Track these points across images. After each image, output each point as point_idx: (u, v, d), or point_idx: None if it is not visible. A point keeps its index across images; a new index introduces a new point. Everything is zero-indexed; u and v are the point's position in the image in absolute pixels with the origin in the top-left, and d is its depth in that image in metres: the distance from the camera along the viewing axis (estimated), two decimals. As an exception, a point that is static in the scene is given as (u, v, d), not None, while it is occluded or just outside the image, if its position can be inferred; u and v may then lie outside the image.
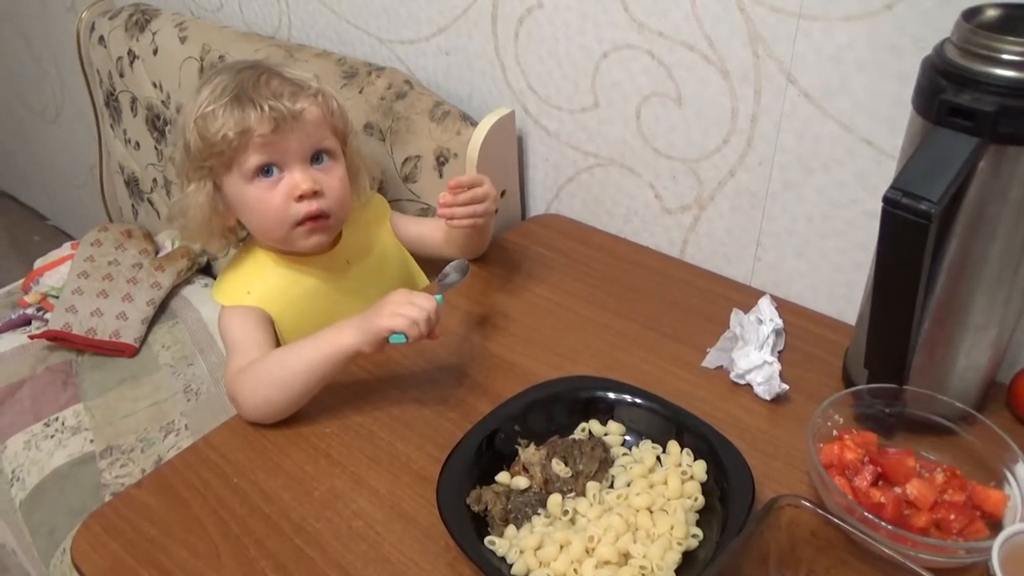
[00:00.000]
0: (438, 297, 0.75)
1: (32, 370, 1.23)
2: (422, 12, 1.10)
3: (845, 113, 0.79)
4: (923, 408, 0.68)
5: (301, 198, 0.83)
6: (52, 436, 1.12)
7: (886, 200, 0.57)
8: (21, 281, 1.44)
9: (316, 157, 0.85)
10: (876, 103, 0.76)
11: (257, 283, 0.89)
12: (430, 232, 0.98)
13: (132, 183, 1.56)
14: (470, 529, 0.63)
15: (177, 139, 0.87)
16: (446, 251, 0.95)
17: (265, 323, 0.85)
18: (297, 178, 0.83)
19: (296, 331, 0.85)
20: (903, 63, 0.73)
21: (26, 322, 1.35)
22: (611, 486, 0.68)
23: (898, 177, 0.58)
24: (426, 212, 1.07)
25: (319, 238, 0.87)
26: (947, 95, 0.58)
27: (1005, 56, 0.56)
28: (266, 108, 0.80)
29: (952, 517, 0.61)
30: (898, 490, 0.63)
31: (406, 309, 0.72)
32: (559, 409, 0.73)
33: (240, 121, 0.80)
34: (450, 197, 0.84)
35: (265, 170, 0.83)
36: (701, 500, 0.65)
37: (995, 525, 0.61)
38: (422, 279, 1.01)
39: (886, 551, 0.55)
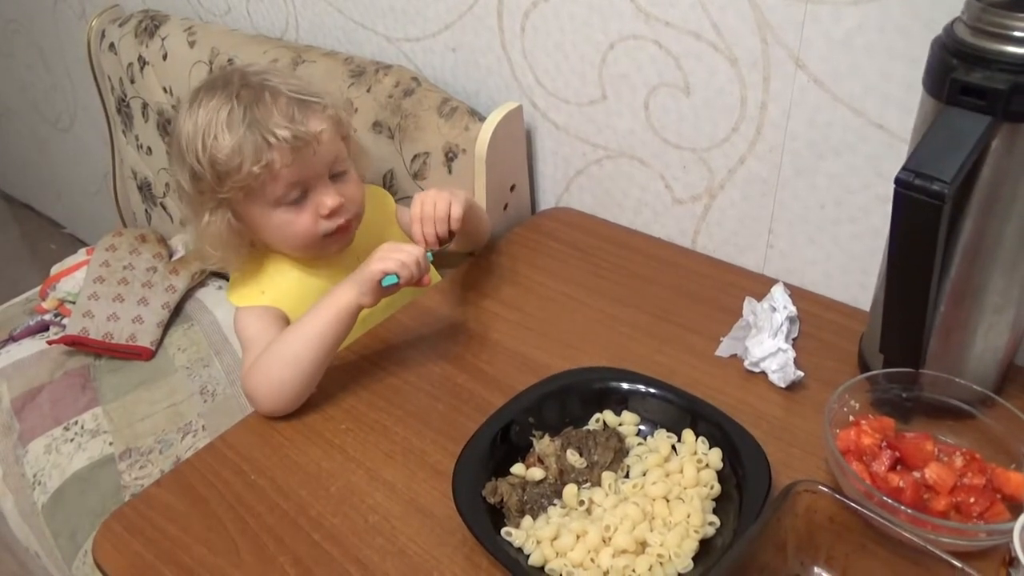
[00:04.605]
0: (428, 253, 0.79)
1: (51, 375, 1.24)
2: (428, 9, 1.10)
3: (855, 97, 0.78)
4: (940, 392, 0.68)
5: (329, 215, 0.84)
6: (72, 440, 1.13)
7: (898, 182, 0.57)
8: (38, 288, 1.45)
9: (334, 169, 0.85)
10: (887, 86, 0.76)
11: (271, 283, 0.89)
12: None
13: (145, 188, 1.57)
14: (486, 521, 0.63)
15: (180, 168, 0.84)
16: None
17: (280, 321, 0.86)
18: (323, 196, 0.83)
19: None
20: (913, 45, 0.72)
21: (44, 328, 1.36)
22: (627, 476, 0.68)
23: (910, 158, 0.57)
24: (436, 208, 1.07)
25: (344, 243, 0.89)
26: (958, 74, 0.57)
27: (1017, 33, 0.56)
28: (286, 137, 0.79)
29: (972, 500, 0.60)
30: (917, 474, 0.62)
31: (395, 253, 0.76)
32: (573, 400, 0.73)
33: (259, 153, 0.79)
34: (417, 229, 0.83)
35: (291, 193, 0.82)
36: (717, 488, 0.65)
37: (1016, 508, 0.60)
38: (433, 274, 1.01)
39: (906, 535, 0.54)
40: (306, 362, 0.77)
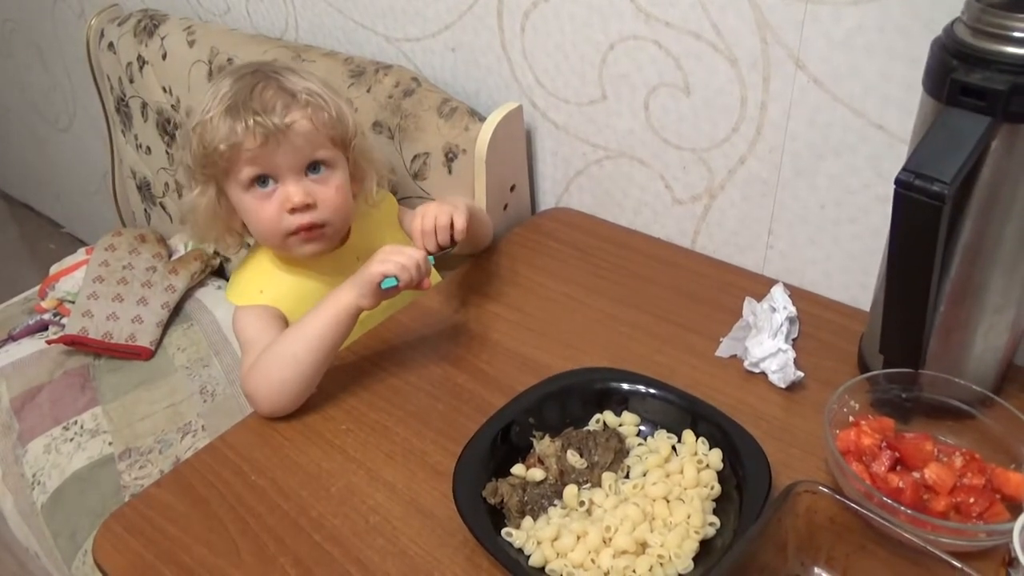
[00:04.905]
0: (430, 257, 0.79)
1: (50, 375, 1.24)
2: (428, 9, 1.10)
3: (855, 98, 0.78)
4: (940, 392, 0.68)
5: (293, 211, 0.83)
6: (71, 439, 1.13)
7: (898, 182, 0.57)
8: (37, 287, 1.45)
9: (312, 167, 0.85)
10: (887, 87, 0.76)
11: (269, 282, 0.89)
12: None
13: (144, 188, 1.57)
14: (487, 521, 0.63)
15: (184, 142, 0.88)
16: None
17: (278, 321, 0.86)
18: (290, 191, 0.83)
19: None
20: (913, 45, 0.72)
21: (43, 328, 1.36)
22: (627, 476, 0.68)
23: (910, 159, 0.57)
24: (436, 208, 1.07)
25: (314, 247, 0.87)
26: (958, 75, 0.57)
27: (1016, 34, 0.56)
28: (251, 123, 0.80)
29: (972, 500, 0.60)
30: (916, 475, 0.63)
31: (396, 256, 0.77)
32: (573, 401, 0.73)
33: (230, 134, 0.80)
34: (419, 243, 0.85)
35: (260, 181, 0.83)
36: (717, 488, 0.65)
37: (1016, 508, 0.60)
38: (433, 275, 1.01)
39: (905, 536, 0.55)
40: (306, 363, 0.77)
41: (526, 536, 0.62)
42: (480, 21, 1.05)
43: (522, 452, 0.70)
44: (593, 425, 0.72)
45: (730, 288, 0.90)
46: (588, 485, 0.67)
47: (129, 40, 1.43)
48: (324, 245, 0.88)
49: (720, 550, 0.60)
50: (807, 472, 0.68)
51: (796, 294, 0.86)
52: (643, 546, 0.61)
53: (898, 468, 0.64)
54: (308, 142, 0.83)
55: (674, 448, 0.69)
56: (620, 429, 0.72)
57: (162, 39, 1.37)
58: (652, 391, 0.73)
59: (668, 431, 0.71)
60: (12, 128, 2.46)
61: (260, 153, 0.81)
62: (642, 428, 0.72)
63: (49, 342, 1.28)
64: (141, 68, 1.42)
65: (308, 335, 0.77)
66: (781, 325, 0.80)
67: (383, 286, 0.76)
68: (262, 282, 0.90)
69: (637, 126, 0.97)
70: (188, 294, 1.36)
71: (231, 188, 0.85)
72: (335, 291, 0.79)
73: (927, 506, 0.61)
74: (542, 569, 0.60)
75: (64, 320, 1.33)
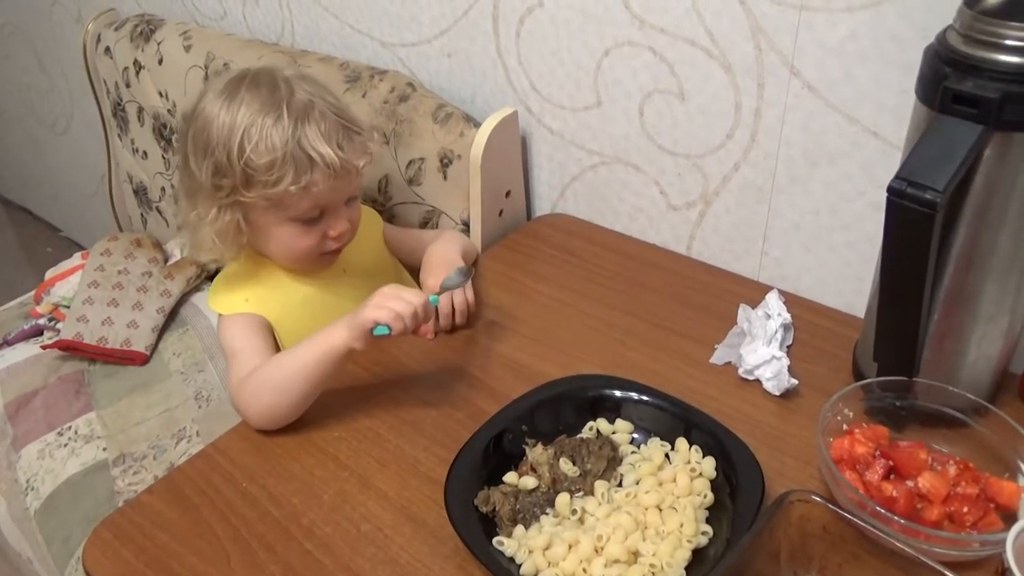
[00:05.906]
0: (432, 298, 0.77)
1: (45, 380, 1.24)
2: (424, 14, 1.10)
3: (849, 104, 0.78)
4: (934, 400, 0.67)
5: (337, 237, 0.85)
6: (65, 445, 1.13)
7: (891, 190, 0.57)
8: (33, 292, 1.45)
9: (351, 196, 0.87)
10: (880, 93, 0.76)
11: (254, 290, 0.89)
12: (415, 246, 1.00)
13: (141, 192, 1.57)
14: (478, 530, 0.63)
15: (200, 157, 0.82)
16: None
17: (264, 329, 0.86)
18: (335, 221, 0.85)
19: (294, 337, 0.85)
20: (906, 52, 0.72)
21: (38, 332, 1.36)
22: (619, 484, 0.68)
23: (903, 167, 0.57)
24: (431, 213, 1.07)
25: (335, 259, 0.90)
26: (950, 83, 0.57)
27: (1009, 42, 0.56)
28: (335, 165, 0.79)
29: (965, 510, 0.60)
30: (910, 483, 0.62)
31: (392, 302, 0.74)
32: (566, 408, 0.73)
33: (301, 174, 0.79)
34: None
35: (312, 214, 0.83)
36: (710, 497, 0.64)
37: (1009, 517, 0.60)
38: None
39: (899, 545, 0.54)
40: (293, 393, 0.76)
41: (518, 545, 0.62)
42: (475, 27, 1.05)
43: (515, 460, 0.70)
44: (586, 433, 0.72)
45: (725, 294, 0.90)
46: (581, 493, 0.67)
47: (126, 45, 1.43)
48: (337, 256, 0.90)
49: (713, 559, 0.60)
50: (801, 480, 0.68)
51: (791, 301, 0.86)
52: (635, 555, 0.60)
53: (892, 477, 0.63)
54: (358, 176, 0.85)
55: (667, 456, 0.69)
56: (613, 437, 0.71)
57: (158, 44, 1.37)
58: (645, 398, 0.72)
59: (661, 439, 0.70)
60: (9, 131, 2.46)
61: (326, 191, 0.81)
62: (635, 436, 0.72)
63: (44, 347, 1.27)
64: (138, 73, 1.42)
65: (297, 367, 0.76)
66: (776, 332, 0.80)
67: (375, 333, 0.74)
68: (247, 290, 0.89)
69: (632, 132, 0.97)
70: (184, 299, 1.36)
71: (267, 215, 0.83)
72: (331, 327, 0.76)
73: (921, 515, 0.61)
74: (533, 578, 0.60)
75: (59, 325, 1.32)
